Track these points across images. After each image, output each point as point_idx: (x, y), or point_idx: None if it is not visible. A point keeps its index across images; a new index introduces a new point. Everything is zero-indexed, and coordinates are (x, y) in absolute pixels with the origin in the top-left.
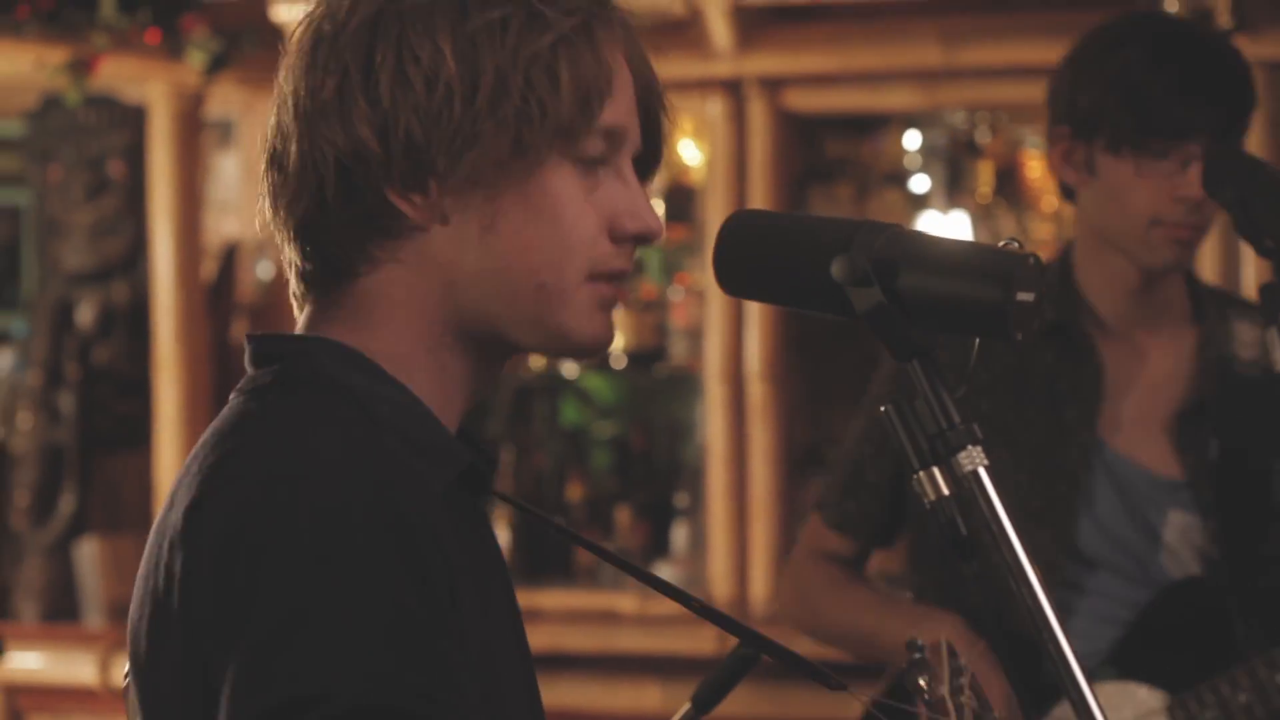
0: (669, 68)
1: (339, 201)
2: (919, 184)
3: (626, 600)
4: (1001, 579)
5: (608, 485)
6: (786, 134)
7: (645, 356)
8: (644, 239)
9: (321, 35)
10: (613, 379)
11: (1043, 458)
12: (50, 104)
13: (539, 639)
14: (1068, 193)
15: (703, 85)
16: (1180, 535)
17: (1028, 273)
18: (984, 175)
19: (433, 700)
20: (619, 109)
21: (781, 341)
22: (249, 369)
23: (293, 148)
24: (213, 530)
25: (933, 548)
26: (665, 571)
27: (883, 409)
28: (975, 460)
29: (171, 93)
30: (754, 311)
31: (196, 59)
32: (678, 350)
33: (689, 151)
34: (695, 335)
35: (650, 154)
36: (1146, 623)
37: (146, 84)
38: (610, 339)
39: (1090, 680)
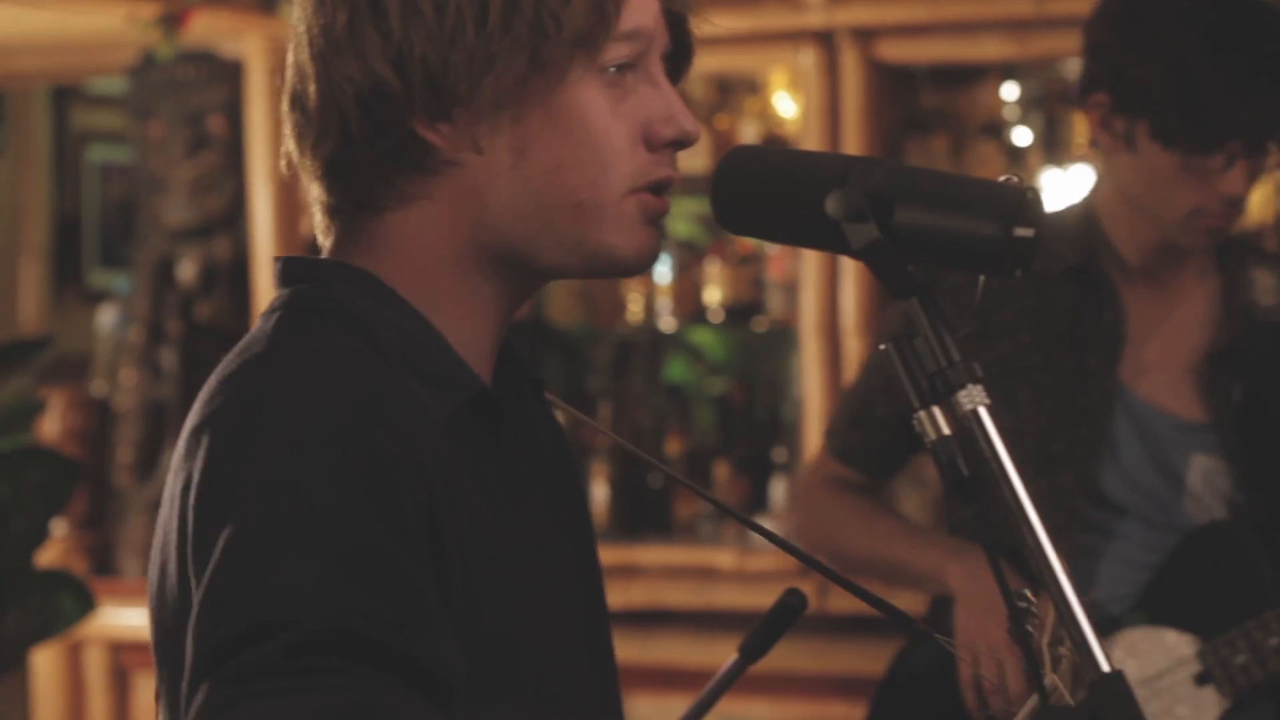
0: (760, 19)
1: (364, 138)
2: (1018, 136)
3: (724, 555)
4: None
5: (706, 440)
6: (880, 85)
7: (742, 311)
8: (680, 143)
9: None
10: (711, 333)
11: (1065, 401)
12: (149, 61)
13: (637, 594)
14: (1096, 145)
15: (795, 37)
16: (1204, 478)
17: (1026, 208)
18: (1080, 126)
19: (395, 627)
20: (639, 10)
21: (877, 294)
22: (276, 290)
23: (311, 87)
24: (202, 455)
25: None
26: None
27: (881, 346)
28: (976, 399)
29: (267, 47)
30: (849, 265)
31: (290, 12)
32: (774, 304)
33: (783, 103)
34: (791, 289)
35: (680, 52)
36: (1173, 567)
37: (242, 38)
38: (656, 254)
39: (1118, 626)
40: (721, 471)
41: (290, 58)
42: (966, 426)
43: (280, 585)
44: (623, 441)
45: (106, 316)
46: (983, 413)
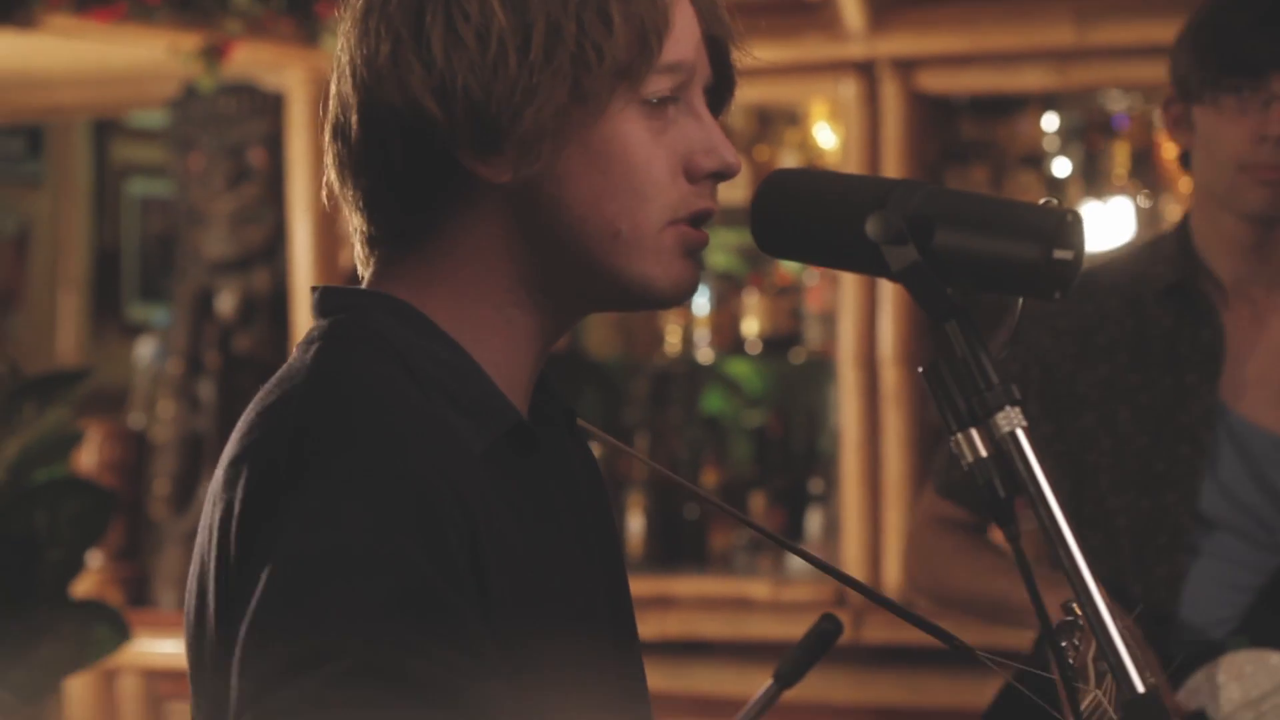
0: (801, 50)
1: (405, 167)
2: (1057, 167)
3: (759, 586)
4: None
5: (742, 471)
6: (920, 115)
7: (780, 342)
8: (722, 175)
9: (372, 2)
10: (750, 364)
11: (1166, 420)
12: (190, 93)
13: (673, 625)
14: (1185, 160)
15: (835, 67)
16: None
17: (1066, 230)
18: (1120, 157)
19: (439, 661)
20: (682, 43)
21: (915, 325)
22: (313, 320)
23: (354, 117)
24: (243, 485)
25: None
26: (801, 559)
27: (920, 369)
28: (1013, 421)
29: (308, 79)
30: (887, 295)
31: (332, 45)
32: (812, 335)
33: (824, 134)
34: (829, 320)
35: (722, 84)
36: (1275, 588)
37: (283, 71)
38: (694, 286)
39: (1220, 650)
40: (757, 503)
41: (333, 88)
42: (1005, 449)
43: (325, 617)
44: (658, 467)
45: (145, 348)
46: (1020, 435)
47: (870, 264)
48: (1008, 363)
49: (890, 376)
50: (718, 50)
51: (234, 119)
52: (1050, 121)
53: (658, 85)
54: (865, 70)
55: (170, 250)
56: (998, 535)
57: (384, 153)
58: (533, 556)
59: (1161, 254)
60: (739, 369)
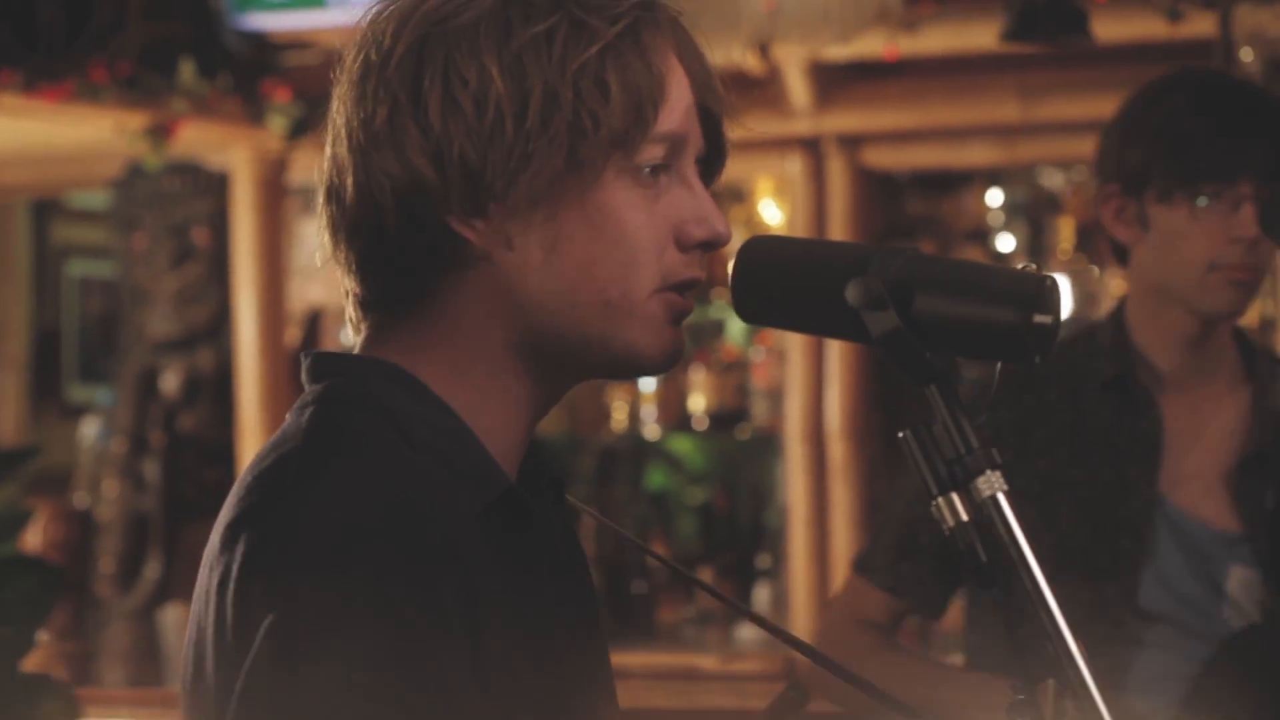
0: (747, 126)
1: (399, 231)
2: (1002, 242)
3: (708, 659)
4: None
5: (690, 546)
6: (866, 191)
7: (727, 417)
8: (712, 244)
9: (369, 65)
10: (695, 440)
11: (1105, 513)
12: (135, 172)
13: (623, 698)
14: (1119, 252)
15: (782, 144)
16: (1243, 589)
17: (1045, 295)
18: (1065, 232)
19: None
20: (676, 113)
21: (862, 400)
22: (305, 385)
23: (349, 180)
24: (241, 549)
25: (988, 608)
26: (748, 632)
27: (900, 434)
28: (994, 485)
29: (253, 158)
30: (834, 371)
31: (278, 124)
32: (759, 411)
33: (769, 210)
34: (776, 396)
35: (713, 154)
36: (1210, 676)
37: (229, 150)
38: (680, 353)
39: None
40: (705, 577)
41: (327, 150)
42: (985, 513)
43: (321, 681)
44: (636, 540)
45: (89, 428)
46: (1001, 499)
47: (851, 330)
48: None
49: (837, 451)
50: (710, 120)
51: (178, 198)
52: (995, 197)
53: (651, 154)
54: (811, 146)
55: (111, 331)
56: (907, 637)
57: (378, 216)
58: (524, 621)
59: (1099, 346)
60: (682, 446)
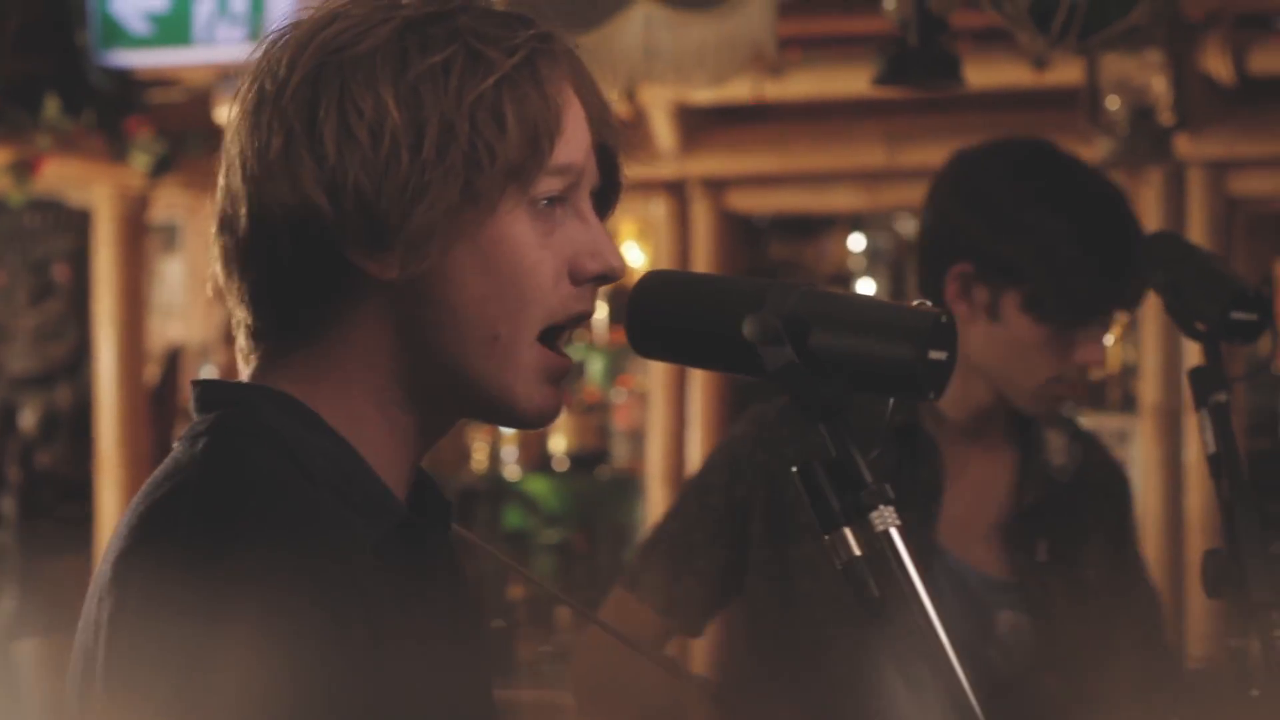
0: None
1: (293, 262)
2: (862, 286)
3: (567, 695)
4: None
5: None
6: (730, 235)
7: (588, 459)
8: (606, 279)
9: (264, 94)
10: (556, 481)
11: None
12: None
13: None
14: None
15: (646, 187)
16: (1011, 633)
17: (940, 331)
18: None
19: None
20: (572, 146)
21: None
22: (193, 416)
23: (242, 210)
24: (136, 582)
25: (770, 636)
26: None
27: (794, 469)
28: (887, 520)
29: (116, 195)
30: (696, 413)
31: (141, 161)
32: (620, 452)
33: (633, 253)
34: (637, 437)
35: (609, 188)
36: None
37: (91, 187)
38: (556, 413)
39: None
40: (563, 616)
41: (221, 181)
42: (877, 548)
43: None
44: (520, 569)
45: None
46: (894, 534)
47: (746, 364)
48: (735, 486)
49: None
50: (606, 154)
51: (38, 234)
52: (857, 242)
53: (547, 186)
54: (676, 190)
55: None
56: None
57: (272, 247)
58: (423, 650)
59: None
60: (538, 486)
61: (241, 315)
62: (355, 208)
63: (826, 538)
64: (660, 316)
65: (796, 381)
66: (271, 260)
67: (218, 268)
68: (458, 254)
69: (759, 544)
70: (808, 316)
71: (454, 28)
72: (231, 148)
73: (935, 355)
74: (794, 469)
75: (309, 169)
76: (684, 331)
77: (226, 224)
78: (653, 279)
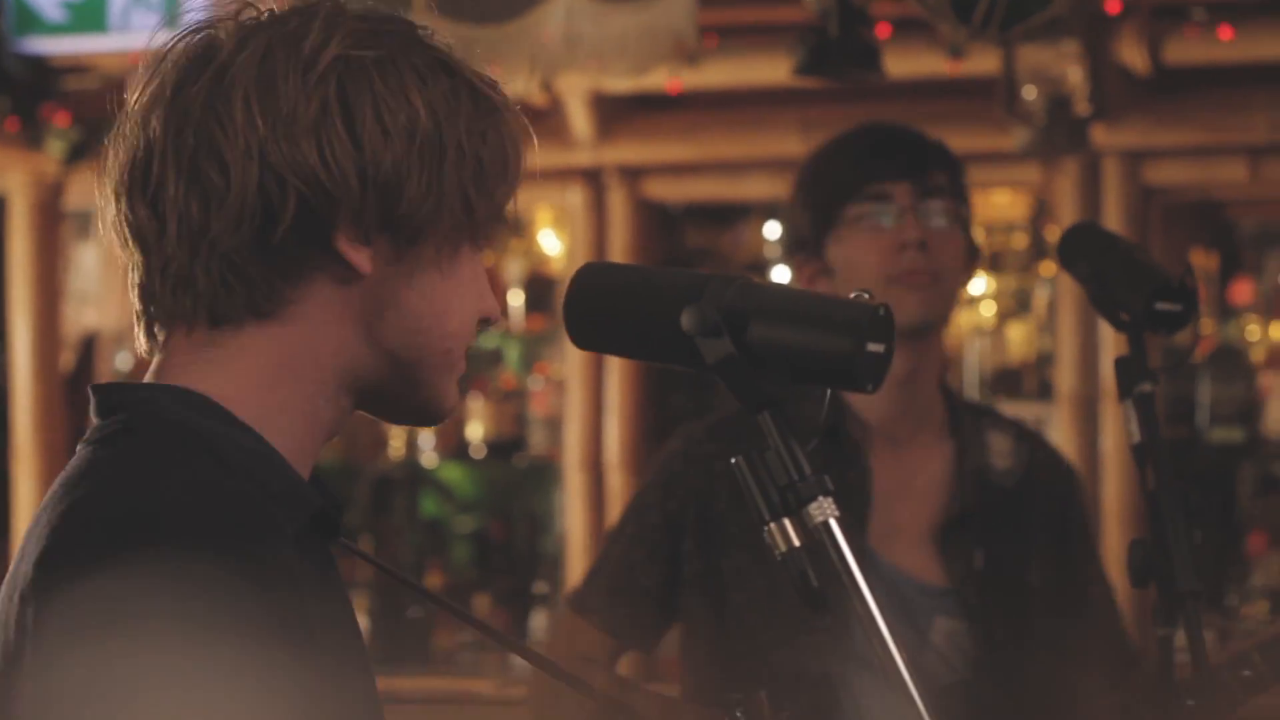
0: (529, 157)
1: (284, 233)
2: (778, 274)
3: (484, 684)
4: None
5: (466, 574)
6: (646, 223)
7: (504, 446)
8: (492, 321)
9: (287, 63)
10: (472, 469)
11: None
12: None
13: None
14: None
15: (563, 175)
16: (947, 639)
17: (878, 323)
18: None
19: None
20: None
21: (641, 430)
22: (94, 420)
23: (236, 174)
24: (64, 583)
25: (707, 649)
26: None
27: (734, 460)
28: (826, 511)
29: (30, 182)
30: (613, 401)
31: (56, 148)
32: (537, 440)
33: (549, 241)
34: (554, 425)
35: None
36: None
37: (5, 173)
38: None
39: None
40: (482, 604)
41: (190, 141)
42: (817, 538)
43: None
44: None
45: None
46: (833, 524)
47: (684, 356)
48: (668, 503)
49: (616, 481)
50: None
51: None
52: (772, 230)
53: (495, 230)
54: (592, 177)
55: None
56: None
57: (266, 211)
58: (344, 641)
59: (811, 396)
60: (453, 474)
61: (203, 287)
62: (376, 197)
63: (766, 529)
64: (598, 309)
65: (735, 374)
66: (258, 228)
67: (145, 241)
68: (433, 268)
69: (692, 559)
70: (746, 309)
71: (444, 60)
72: (226, 102)
73: (873, 348)
74: (734, 460)
75: (343, 144)
76: (622, 324)
77: (199, 178)
78: (589, 271)
